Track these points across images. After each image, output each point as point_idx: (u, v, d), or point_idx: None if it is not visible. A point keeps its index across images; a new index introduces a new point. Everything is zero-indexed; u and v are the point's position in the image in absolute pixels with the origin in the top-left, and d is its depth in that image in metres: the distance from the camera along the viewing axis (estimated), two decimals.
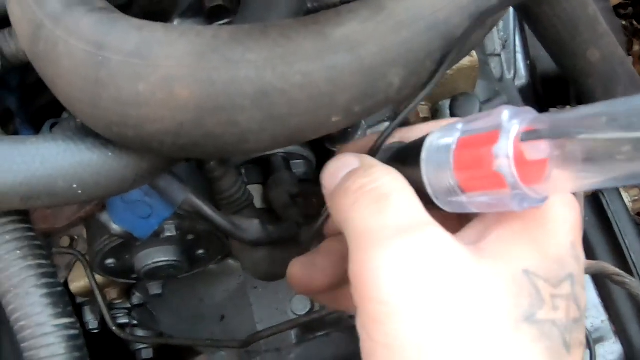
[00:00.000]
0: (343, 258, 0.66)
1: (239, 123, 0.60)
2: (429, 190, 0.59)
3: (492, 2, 0.71)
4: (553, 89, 1.40)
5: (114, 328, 1.21)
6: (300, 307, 1.20)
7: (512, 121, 0.52)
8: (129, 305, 1.35)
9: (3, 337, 1.36)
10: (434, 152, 0.59)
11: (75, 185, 0.65)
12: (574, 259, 0.56)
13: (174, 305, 1.34)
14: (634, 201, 1.42)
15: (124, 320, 1.36)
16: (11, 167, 0.64)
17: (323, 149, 1.06)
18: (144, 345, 1.38)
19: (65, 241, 1.16)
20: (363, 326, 0.53)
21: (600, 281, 1.21)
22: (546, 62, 1.38)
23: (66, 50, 0.60)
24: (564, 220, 0.57)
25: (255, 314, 1.22)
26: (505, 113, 0.53)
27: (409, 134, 0.70)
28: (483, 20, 0.70)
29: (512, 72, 1.37)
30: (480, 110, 1.01)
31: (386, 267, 0.52)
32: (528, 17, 1.03)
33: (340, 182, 0.62)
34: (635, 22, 2.58)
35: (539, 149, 0.51)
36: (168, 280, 1.17)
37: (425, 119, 1.06)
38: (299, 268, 0.71)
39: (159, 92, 0.58)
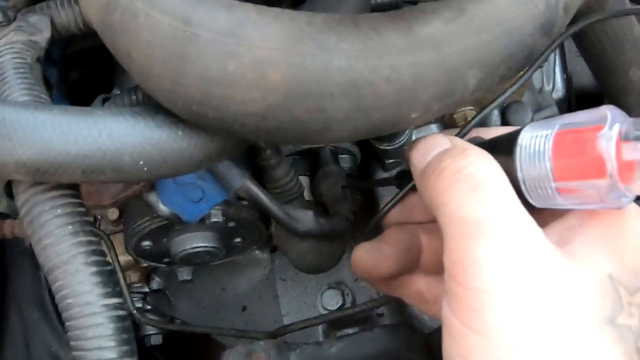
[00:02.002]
0: (408, 248, 0.74)
1: (326, 111, 0.60)
2: (520, 176, 0.61)
3: (560, 14, 0.73)
4: (586, 104, 1.40)
5: (134, 312, 1.19)
6: (331, 302, 1.20)
7: (615, 118, 0.56)
8: (146, 290, 1.34)
9: (12, 315, 1.35)
10: (530, 141, 0.61)
11: (142, 162, 0.65)
12: None
13: (194, 293, 1.33)
14: None
15: (138, 304, 1.35)
16: (76, 138, 0.63)
17: (368, 145, 1.06)
18: (155, 331, 1.37)
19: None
20: (455, 312, 0.56)
21: None
22: (581, 77, 1.41)
23: (147, 22, 0.60)
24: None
25: (282, 307, 1.22)
26: (608, 112, 0.56)
27: (486, 134, 0.72)
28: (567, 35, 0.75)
29: (551, 85, 1.38)
30: (532, 119, 1.02)
31: (488, 260, 0.54)
32: (576, 33, 1.03)
33: (433, 161, 0.63)
34: None
35: (636, 149, 0.54)
36: (198, 266, 1.16)
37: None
38: (365, 253, 0.73)
39: (250, 73, 0.58)
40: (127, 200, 0.97)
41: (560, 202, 0.61)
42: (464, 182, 0.59)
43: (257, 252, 1.25)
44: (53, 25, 0.81)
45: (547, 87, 1.36)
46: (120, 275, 1.13)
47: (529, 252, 0.55)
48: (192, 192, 0.86)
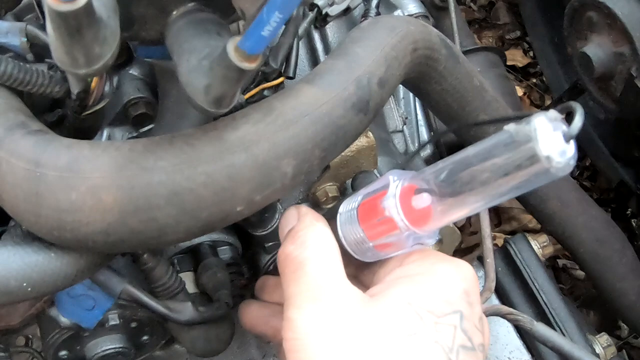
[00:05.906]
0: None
1: (157, 219, 0.71)
2: (344, 243, 0.77)
3: (374, 90, 0.82)
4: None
5: None
6: None
7: (395, 181, 0.72)
8: None
9: None
10: (345, 212, 0.78)
11: (25, 284, 0.77)
12: (465, 302, 0.73)
13: None
14: (544, 247, 1.54)
15: None
16: None
17: (247, 234, 1.17)
18: None
19: (21, 340, 1.24)
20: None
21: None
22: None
23: (9, 169, 0.72)
24: (452, 273, 0.75)
25: None
26: (390, 177, 0.72)
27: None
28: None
29: (417, 144, 1.46)
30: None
31: (298, 320, 0.72)
32: (420, 95, 1.09)
33: (282, 242, 0.80)
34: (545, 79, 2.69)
35: (422, 199, 0.70)
36: None
37: (335, 198, 1.18)
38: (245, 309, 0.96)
39: (88, 199, 0.70)
40: (38, 317, 1.08)
41: (382, 255, 0.76)
42: (289, 265, 0.76)
43: (177, 346, 1.34)
44: None
45: (413, 148, 1.44)
46: None
47: (330, 310, 0.71)
48: (84, 301, 0.98)
